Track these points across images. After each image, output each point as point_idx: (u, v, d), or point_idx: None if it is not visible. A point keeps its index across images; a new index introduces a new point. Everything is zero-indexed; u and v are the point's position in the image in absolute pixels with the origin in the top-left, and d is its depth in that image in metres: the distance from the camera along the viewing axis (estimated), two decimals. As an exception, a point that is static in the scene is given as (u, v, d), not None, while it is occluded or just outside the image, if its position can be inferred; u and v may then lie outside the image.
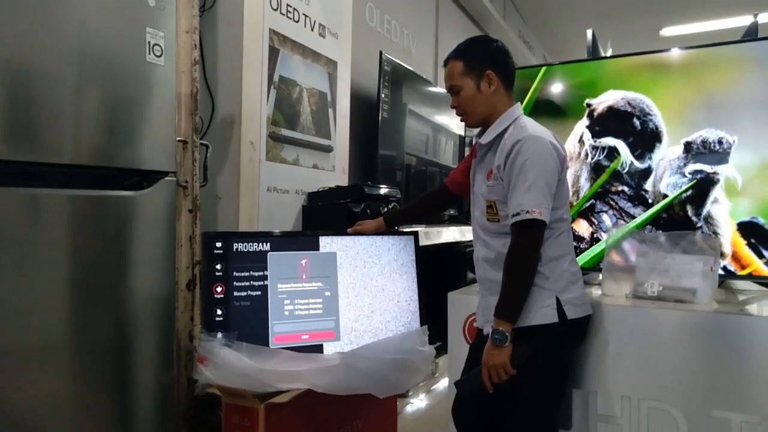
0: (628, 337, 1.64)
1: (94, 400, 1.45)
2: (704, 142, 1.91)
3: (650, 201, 2.00)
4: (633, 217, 2.02)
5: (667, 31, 6.36)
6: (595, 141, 2.06)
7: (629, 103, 2.03)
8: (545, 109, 2.15)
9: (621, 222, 2.03)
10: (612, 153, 2.06)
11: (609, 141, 2.05)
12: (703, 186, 1.91)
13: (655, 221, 1.98)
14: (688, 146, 1.93)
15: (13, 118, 1.28)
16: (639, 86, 2.00)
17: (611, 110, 2.05)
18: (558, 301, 1.47)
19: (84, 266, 1.43)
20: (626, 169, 2.03)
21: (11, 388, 1.28)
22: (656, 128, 1.99)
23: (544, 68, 2.16)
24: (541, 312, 1.45)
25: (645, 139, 2.00)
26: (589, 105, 2.08)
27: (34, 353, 1.32)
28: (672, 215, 1.96)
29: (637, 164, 2.01)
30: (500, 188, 1.50)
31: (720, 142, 1.89)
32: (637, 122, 2.01)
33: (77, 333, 1.41)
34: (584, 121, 2.08)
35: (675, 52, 1.99)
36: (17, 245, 1.29)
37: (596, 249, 2.07)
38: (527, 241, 1.43)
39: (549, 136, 1.50)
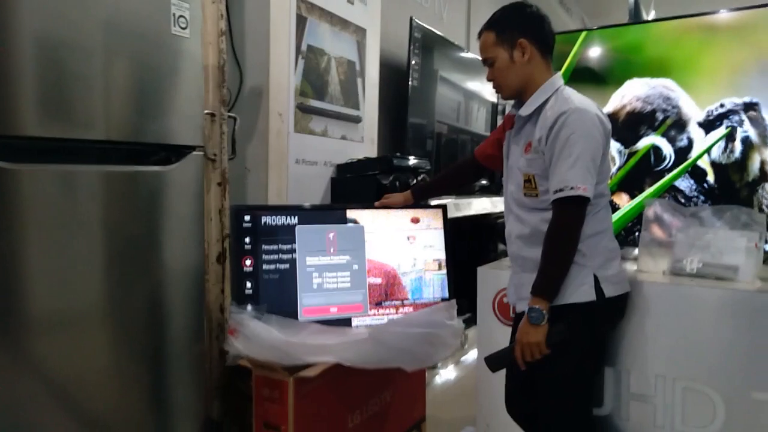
0: (665, 315, 1.59)
1: (129, 368, 1.49)
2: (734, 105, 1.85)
3: (702, 172, 1.92)
4: (680, 191, 1.95)
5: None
6: (630, 149, 2.00)
7: (645, 101, 1.95)
8: (585, 77, 2.06)
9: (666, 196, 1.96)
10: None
11: (643, 143, 1.98)
12: (734, 135, 1.83)
13: (709, 195, 1.90)
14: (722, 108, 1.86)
15: (45, 94, 1.28)
16: (686, 50, 1.89)
17: (632, 116, 1.99)
18: (596, 278, 1.43)
19: (117, 241, 1.45)
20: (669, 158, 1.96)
21: (51, 356, 1.32)
22: (680, 111, 1.92)
23: (584, 33, 2.06)
24: (579, 290, 1.41)
25: (674, 124, 1.93)
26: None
27: (73, 324, 1.36)
28: (727, 189, 1.88)
29: (678, 144, 1.94)
30: (540, 162, 1.44)
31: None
32: (660, 115, 1.94)
33: (113, 304, 1.44)
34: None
35: (723, 14, 1.86)
36: (54, 220, 1.32)
37: (617, 214, 2.01)
38: (570, 218, 1.38)
39: (594, 108, 1.43)
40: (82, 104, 1.35)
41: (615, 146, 2.04)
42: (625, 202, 2.03)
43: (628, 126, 2.00)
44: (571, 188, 1.34)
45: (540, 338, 1.38)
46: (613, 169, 2.04)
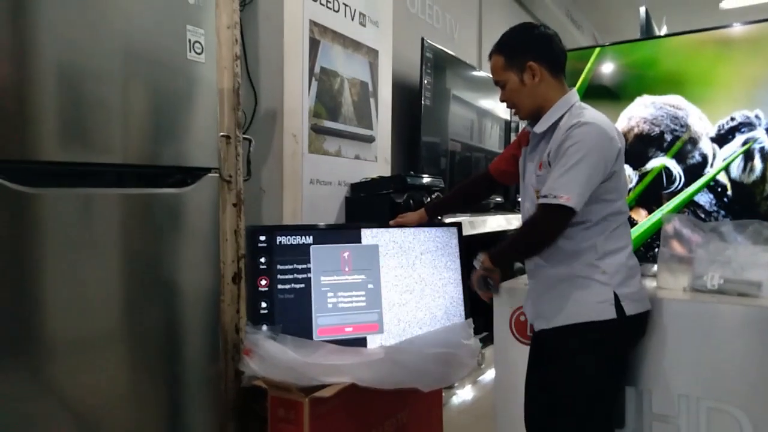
0: (686, 332, 1.55)
1: (145, 389, 1.49)
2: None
3: (722, 186, 1.89)
4: (700, 206, 1.92)
5: (727, 4, 5.97)
6: (640, 170, 1.99)
7: (653, 123, 1.94)
8: (599, 93, 2.06)
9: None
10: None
11: (652, 165, 1.97)
12: (752, 153, 1.81)
13: (729, 210, 1.87)
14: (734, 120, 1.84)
15: (66, 119, 1.31)
16: (701, 63, 1.88)
17: (639, 138, 1.98)
18: (616, 296, 1.40)
19: (134, 262, 1.47)
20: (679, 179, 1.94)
21: (69, 377, 1.33)
22: (689, 129, 1.91)
23: (597, 49, 2.06)
24: (598, 308, 1.39)
25: (685, 143, 1.93)
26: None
27: (91, 345, 1.37)
28: (747, 204, 1.85)
29: (690, 162, 1.92)
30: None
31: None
32: (668, 136, 1.93)
33: (130, 325, 1.45)
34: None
35: (738, 28, 1.85)
36: (73, 242, 1.34)
37: (636, 230, 1.98)
38: (546, 224, 1.41)
39: (606, 123, 1.42)
40: (101, 129, 1.38)
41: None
42: (643, 218, 2.00)
43: (636, 149, 1.99)
44: (555, 196, 1.34)
45: (473, 278, 1.65)
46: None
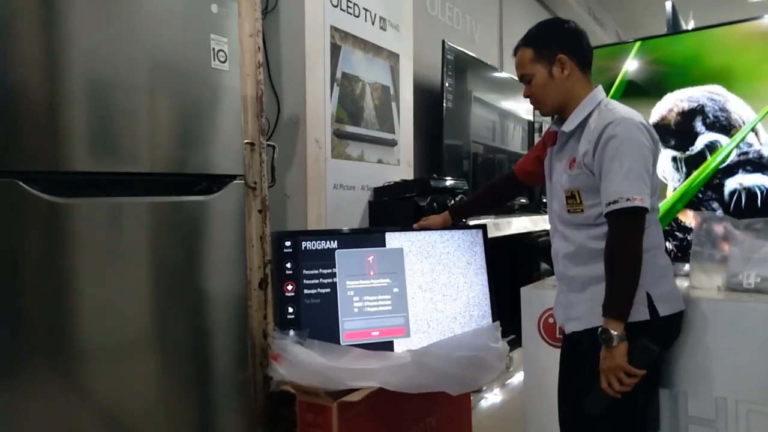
0: (722, 333, 1.51)
1: (175, 396, 1.51)
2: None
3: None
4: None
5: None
6: (687, 153, 1.93)
7: (690, 100, 1.91)
8: (636, 89, 2.01)
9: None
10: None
11: (701, 142, 1.91)
12: None
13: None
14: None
15: (95, 130, 1.34)
16: (749, 56, 1.83)
17: (682, 116, 1.93)
18: (648, 296, 1.37)
19: (163, 269, 1.49)
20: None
21: (101, 384, 1.36)
22: (729, 114, 1.84)
23: (638, 44, 2.01)
24: (632, 309, 1.34)
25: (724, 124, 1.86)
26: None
27: (122, 351, 1.40)
28: None
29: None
30: (585, 177, 1.41)
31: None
32: (710, 110, 1.87)
33: (159, 332, 1.48)
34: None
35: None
36: (104, 250, 1.37)
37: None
38: (630, 230, 1.32)
39: (640, 117, 1.39)
40: (129, 139, 1.41)
41: (669, 154, 1.97)
42: (690, 219, 1.93)
43: (681, 127, 1.91)
44: (627, 199, 1.29)
45: (619, 360, 1.31)
46: (675, 183, 1.97)
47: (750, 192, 1.84)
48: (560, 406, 1.58)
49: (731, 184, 1.87)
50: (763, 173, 1.82)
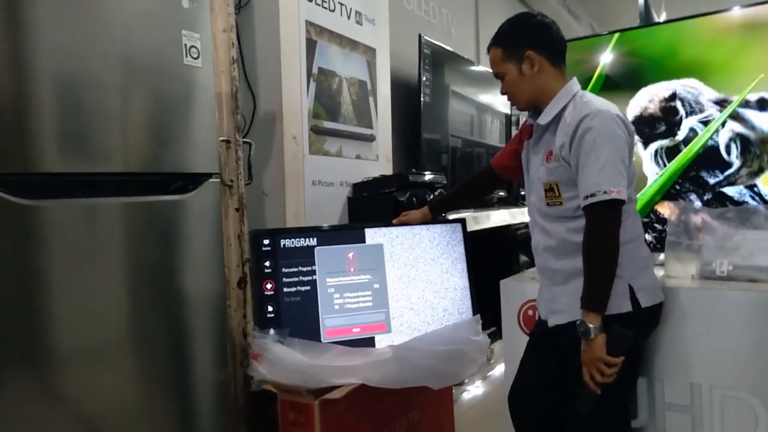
0: (697, 320, 1.54)
1: (155, 396, 1.49)
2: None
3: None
4: (721, 193, 1.90)
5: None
6: (673, 139, 1.96)
7: (666, 88, 1.94)
8: (615, 82, 2.03)
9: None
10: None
11: (686, 126, 1.94)
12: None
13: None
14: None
15: (65, 129, 1.31)
16: (728, 46, 1.86)
17: (664, 102, 1.95)
18: (631, 288, 1.38)
19: (139, 270, 1.46)
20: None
21: (77, 387, 1.33)
22: (702, 105, 1.89)
23: (616, 35, 2.02)
24: (613, 301, 1.36)
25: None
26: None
27: (98, 354, 1.37)
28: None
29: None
30: (563, 169, 1.41)
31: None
32: (689, 97, 1.90)
33: (137, 333, 1.45)
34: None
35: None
36: (77, 253, 1.34)
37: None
38: (607, 222, 1.33)
39: (615, 109, 1.40)
40: (100, 138, 1.37)
41: (657, 144, 1.99)
42: (668, 211, 1.96)
43: (667, 113, 1.94)
44: (604, 192, 1.30)
45: (598, 352, 1.32)
46: (654, 175, 2.00)
47: (743, 137, 1.87)
48: (537, 396, 1.57)
49: (724, 136, 1.90)
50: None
